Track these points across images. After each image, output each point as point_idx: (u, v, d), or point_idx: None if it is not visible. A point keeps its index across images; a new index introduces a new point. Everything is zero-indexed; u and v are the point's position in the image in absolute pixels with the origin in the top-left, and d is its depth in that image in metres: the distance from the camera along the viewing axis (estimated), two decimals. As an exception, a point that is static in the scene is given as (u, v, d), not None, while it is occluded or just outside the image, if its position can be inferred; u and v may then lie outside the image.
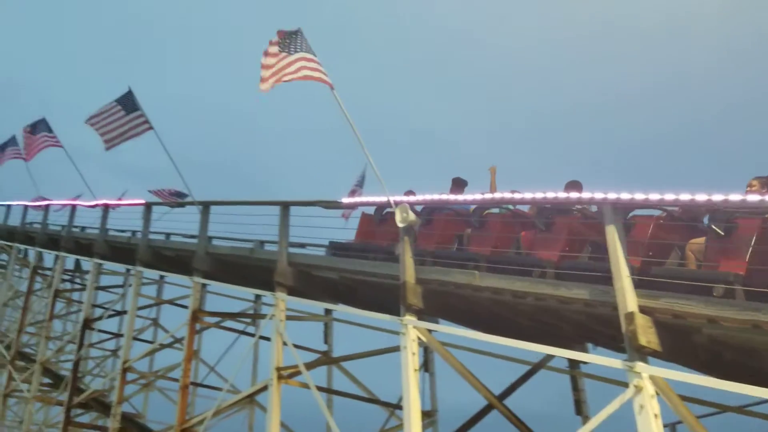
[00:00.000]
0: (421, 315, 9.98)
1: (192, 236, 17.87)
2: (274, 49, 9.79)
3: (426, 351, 14.33)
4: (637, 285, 7.48)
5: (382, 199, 11.00)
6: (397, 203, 10.22)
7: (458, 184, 11.92)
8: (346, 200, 12.34)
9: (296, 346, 12.07)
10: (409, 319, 9.67)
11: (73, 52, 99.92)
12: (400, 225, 10.00)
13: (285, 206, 12.93)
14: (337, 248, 13.21)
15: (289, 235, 12.96)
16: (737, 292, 6.88)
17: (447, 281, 9.49)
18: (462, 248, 10.86)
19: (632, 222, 8.36)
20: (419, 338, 9.64)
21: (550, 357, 11.23)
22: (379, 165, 10.27)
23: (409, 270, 9.84)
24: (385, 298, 12.14)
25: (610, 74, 77.82)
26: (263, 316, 14.42)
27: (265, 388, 12.20)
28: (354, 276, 11.48)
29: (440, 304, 10.38)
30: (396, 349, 10.37)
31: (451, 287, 9.56)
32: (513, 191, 9.63)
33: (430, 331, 9.90)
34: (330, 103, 10.23)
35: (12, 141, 24.88)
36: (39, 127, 19.37)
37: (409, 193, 10.48)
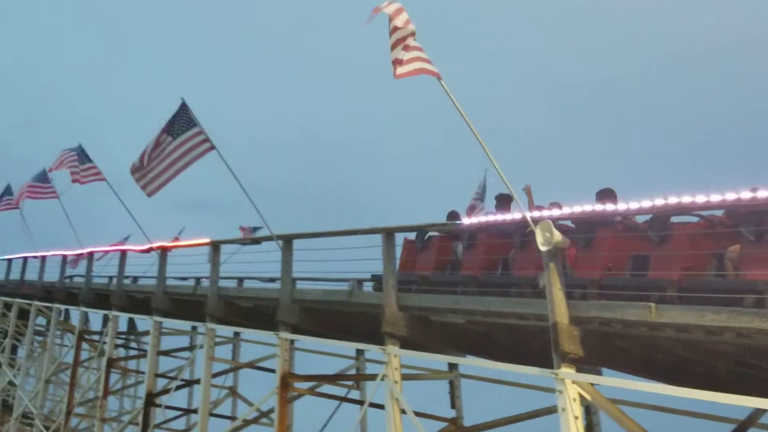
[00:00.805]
0: (579, 365, 10.05)
1: (271, 279, 18.63)
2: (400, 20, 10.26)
3: (588, 411, 14.29)
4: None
5: (514, 215, 11.21)
6: (536, 220, 10.36)
7: (504, 201, 13.50)
8: (466, 220, 12.57)
9: (417, 414, 12.32)
10: (566, 371, 9.75)
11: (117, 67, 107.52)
12: (544, 248, 10.13)
13: (388, 234, 13.27)
14: (378, 281, 14.48)
15: (396, 271, 13.32)
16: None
17: (613, 319, 9.52)
18: (507, 272, 12.23)
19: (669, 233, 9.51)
20: (581, 395, 9.71)
21: (761, 412, 10.99)
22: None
23: (560, 307, 9.93)
24: (530, 345, 12.33)
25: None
26: (372, 377, 14.79)
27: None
28: (487, 319, 11.67)
29: (603, 349, 10.41)
30: (548, 411, 10.44)
31: (619, 326, 9.59)
32: (553, 204, 10.71)
33: (593, 384, 9.94)
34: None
35: (7, 190, 26.87)
36: (79, 156, 20.73)
37: (554, 205, 10.66)
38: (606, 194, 11.04)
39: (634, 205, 9.51)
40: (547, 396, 13.55)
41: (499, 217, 12.32)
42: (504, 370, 12.67)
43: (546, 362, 10.22)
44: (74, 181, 20.63)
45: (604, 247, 10.48)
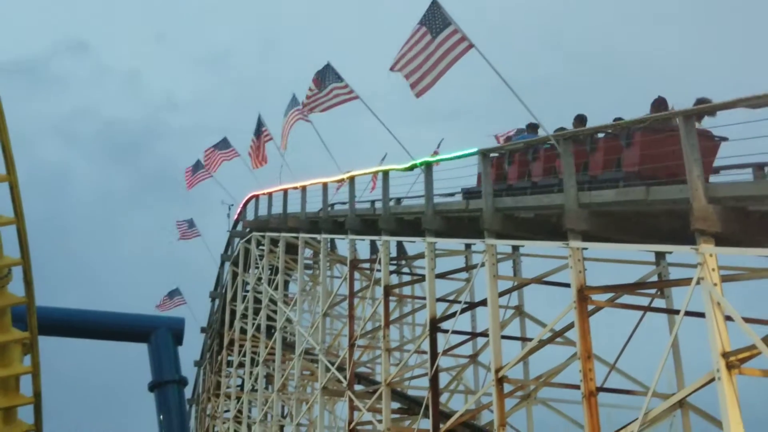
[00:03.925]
0: None
1: (546, 186, 18.42)
2: None
3: None
4: None
5: None
6: None
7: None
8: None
9: (746, 320, 11.88)
10: None
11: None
12: None
13: (688, 117, 12.82)
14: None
15: (699, 158, 12.80)
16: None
17: None
18: None
19: None
20: None
21: None
22: None
23: None
24: None
25: None
26: (681, 282, 14.41)
27: (706, 385, 12.27)
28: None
29: None
30: None
31: None
32: None
33: None
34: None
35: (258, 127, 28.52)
36: (327, 76, 21.53)
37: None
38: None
39: None
40: None
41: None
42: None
43: None
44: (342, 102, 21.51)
45: None
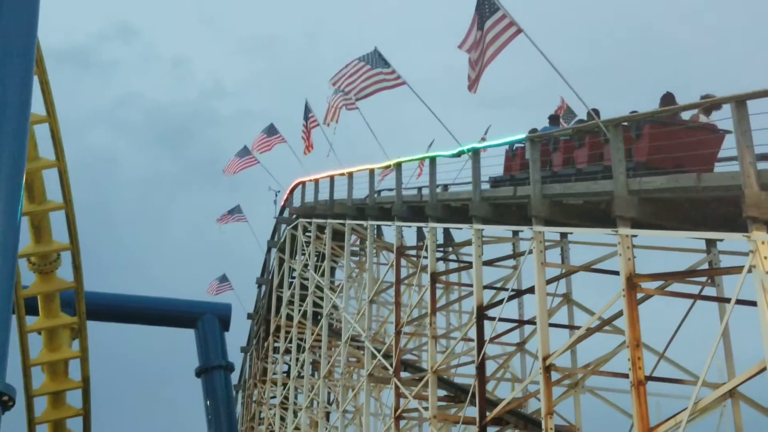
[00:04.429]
0: None
1: (564, 176, 18.33)
2: None
3: None
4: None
5: None
6: None
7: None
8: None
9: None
10: None
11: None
12: None
13: (739, 103, 12.71)
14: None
15: (752, 144, 12.68)
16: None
17: None
18: None
19: None
20: None
21: None
22: None
23: None
24: None
25: None
26: (733, 271, 14.27)
27: (757, 374, 12.18)
28: None
29: None
30: None
31: None
32: None
33: None
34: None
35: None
36: (374, 62, 21.59)
37: None
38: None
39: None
40: None
41: None
42: None
43: None
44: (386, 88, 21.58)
45: None
